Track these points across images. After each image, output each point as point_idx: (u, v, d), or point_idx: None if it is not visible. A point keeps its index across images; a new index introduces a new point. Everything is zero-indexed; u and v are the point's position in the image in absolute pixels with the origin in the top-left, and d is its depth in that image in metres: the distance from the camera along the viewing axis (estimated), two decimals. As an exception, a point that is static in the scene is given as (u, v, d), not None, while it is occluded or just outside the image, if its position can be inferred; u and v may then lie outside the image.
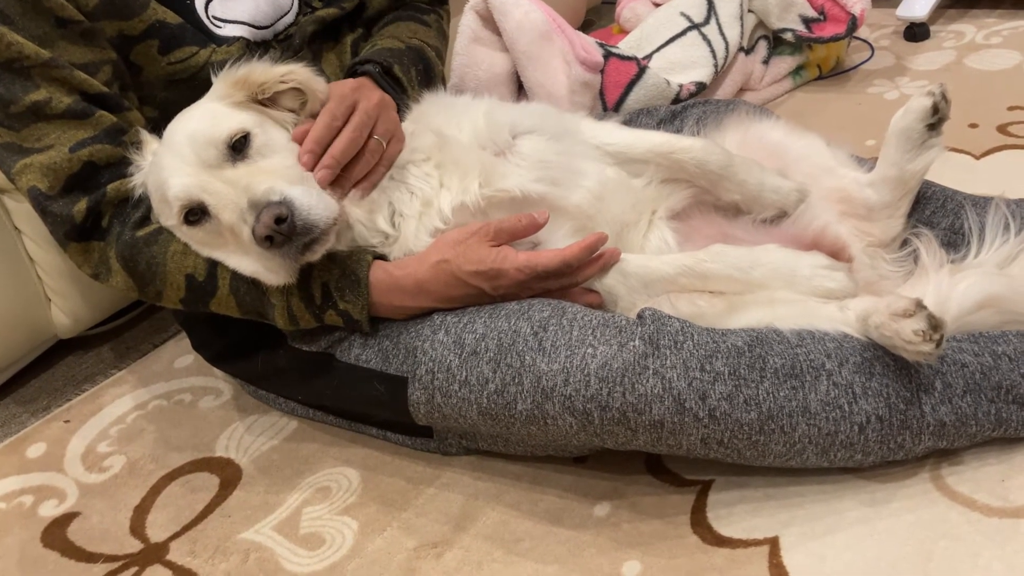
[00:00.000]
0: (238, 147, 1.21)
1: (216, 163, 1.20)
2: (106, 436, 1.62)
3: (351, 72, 1.46)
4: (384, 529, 1.29)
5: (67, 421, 1.67)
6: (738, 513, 1.19)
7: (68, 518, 1.44)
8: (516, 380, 1.17)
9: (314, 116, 1.27)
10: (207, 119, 1.23)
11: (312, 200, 1.16)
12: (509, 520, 1.27)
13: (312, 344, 1.37)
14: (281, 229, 1.12)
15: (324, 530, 1.31)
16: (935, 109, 1.38)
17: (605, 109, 2.00)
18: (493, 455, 1.37)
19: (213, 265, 1.28)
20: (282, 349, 1.40)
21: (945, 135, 1.41)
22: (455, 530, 1.27)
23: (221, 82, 1.28)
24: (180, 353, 1.80)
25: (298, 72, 1.28)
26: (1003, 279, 1.28)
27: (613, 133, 1.40)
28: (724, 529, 1.18)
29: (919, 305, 1.09)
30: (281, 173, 1.20)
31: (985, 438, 1.17)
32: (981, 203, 1.44)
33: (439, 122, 1.36)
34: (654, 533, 1.19)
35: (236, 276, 1.27)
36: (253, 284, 1.27)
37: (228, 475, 1.46)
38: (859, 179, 1.46)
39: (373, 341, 1.31)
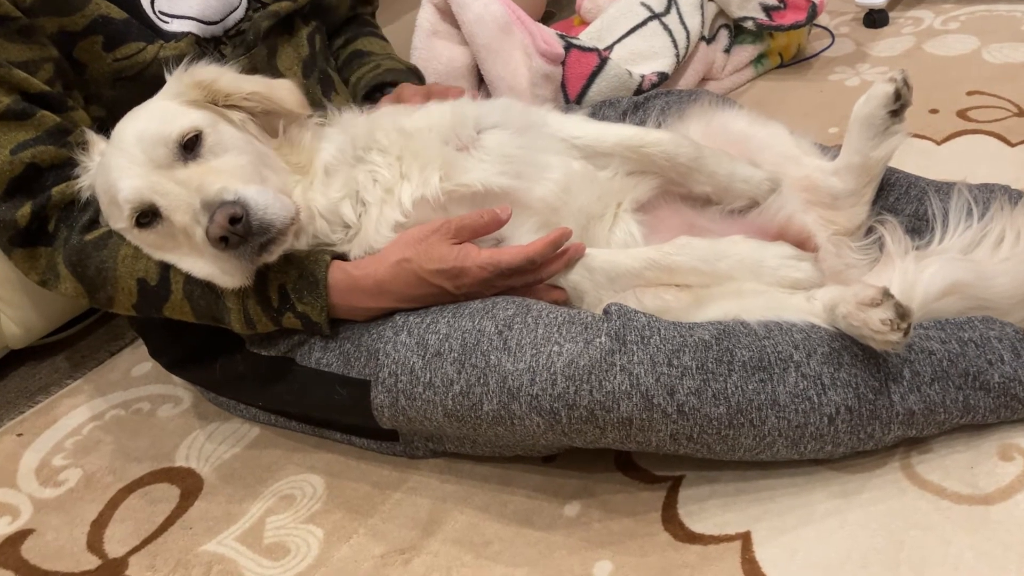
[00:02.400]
0: (190, 146, 1.17)
1: (167, 163, 1.16)
2: (61, 449, 1.56)
3: (377, 88, 1.56)
4: (350, 536, 1.26)
5: (20, 435, 1.62)
6: (709, 509, 1.18)
7: (22, 535, 1.39)
8: (481, 380, 1.14)
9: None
10: (157, 118, 1.19)
11: (268, 199, 1.12)
12: (478, 523, 1.24)
13: (271, 348, 1.33)
14: (236, 229, 1.08)
15: (289, 539, 1.28)
16: (897, 95, 1.37)
17: (567, 101, 1.98)
18: (461, 457, 1.34)
19: (166, 268, 1.24)
20: (240, 354, 1.36)
21: (907, 121, 1.40)
22: (423, 535, 1.24)
23: (177, 80, 1.24)
24: (137, 361, 1.75)
25: (267, 92, 1.25)
26: (968, 265, 1.27)
27: (581, 126, 1.37)
28: (695, 525, 1.16)
29: (886, 294, 1.08)
30: (235, 172, 1.16)
31: (953, 425, 1.17)
32: (944, 189, 1.44)
33: (401, 115, 1.33)
34: (625, 531, 1.18)
35: (190, 280, 1.23)
36: (208, 288, 1.23)
37: (189, 485, 1.42)
38: (823, 167, 1.45)
39: (334, 344, 1.28)
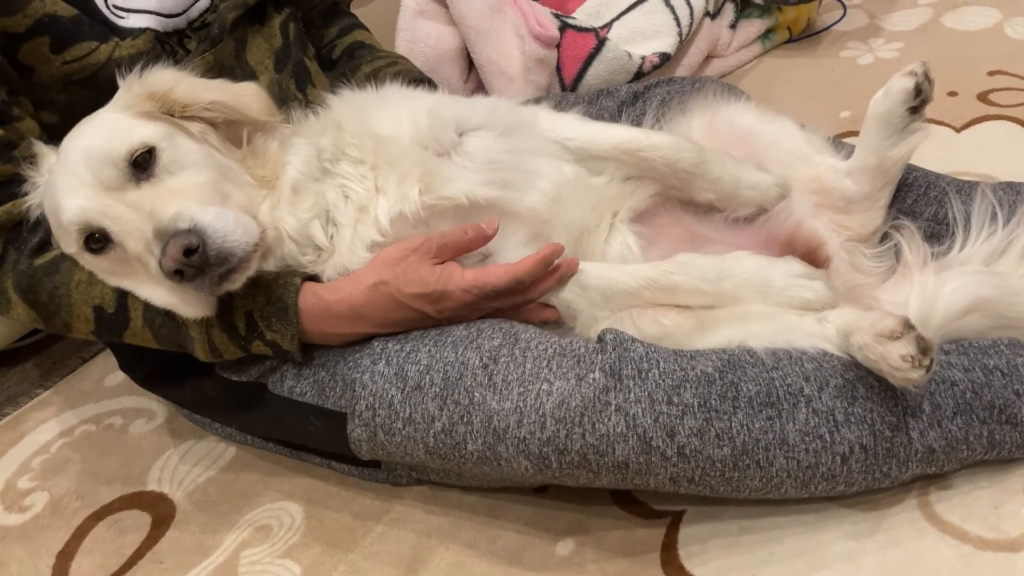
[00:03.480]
0: (141, 164, 1.06)
1: (117, 184, 1.05)
2: (28, 469, 1.49)
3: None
4: (329, 574, 1.19)
5: (-15, 452, 1.54)
6: (712, 550, 1.09)
7: (-16, 567, 1.32)
8: (465, 419, 1.05)
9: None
10: (104, 133, 1.08)
11: (228, 224, 1.02)
12: (464, 561, 1.16)
13: (241, 373, 1.24)
14: (192, 261, 0.98)
15: (264, 576, 1.21)
16: (917, 90, 1.26)
17: (563, 86, 1.86)
18: (447, 485, 1.26)
19: (123, 295, 1.14)
20: (210, 378, 1.27)
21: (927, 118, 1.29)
22: (406, 574, 1.16)
23: (129, 90, 1.12)
24: (110, 369, 1.66)
25: (231, 100, 1.13)
26: (992, 280, 1.18)
27: (575, 127, 1.26)
28: (697, 569, 1.08)
29: (906, 325, 0.99)
30: (192, 193, 1.05)
31: (976, 461, 1.08)
32: (966, 189, 1.33)
33: (374, 119, 1.22)
34: (621, 574, 1.10)
35: (149, 307, 1.13)
36: (169, 316, 1.13)
37: (160, 512, 1.34)
38: (836, 167, 1.35)
39: (308, 371, 1.19)
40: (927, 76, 1.26)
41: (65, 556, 1.31)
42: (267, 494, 1.33)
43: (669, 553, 1.10)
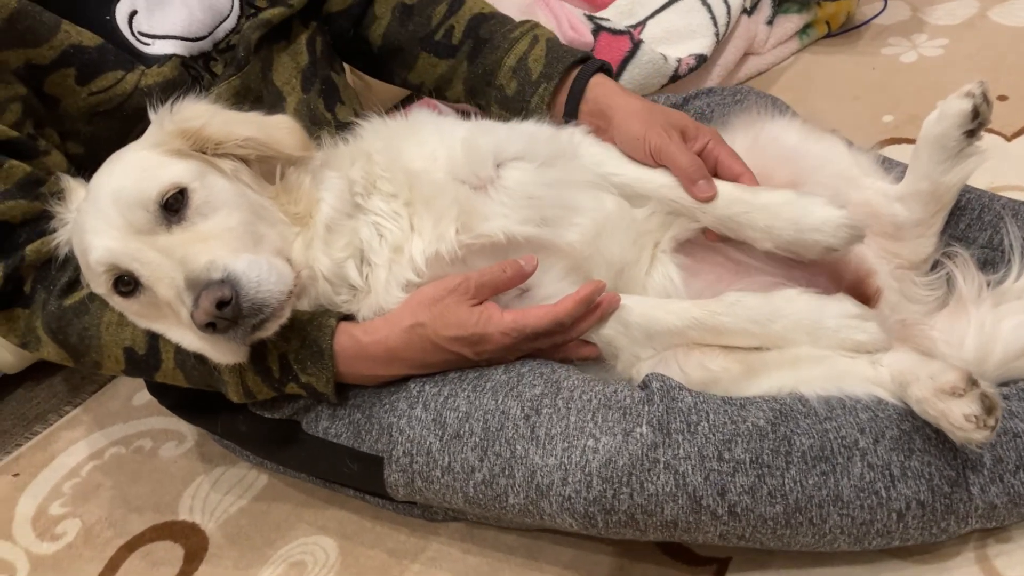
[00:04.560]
0: (172, 205, 1.02)
1: (147, 227, 1.02)
2: (59, 494, 1.47)
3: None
4: (366, 617, 1.17)
5: (16, 475, 1.53)
6: (760, 603, 1.06)
7: (19, 599, 1.32)
8: (506, 472, 1.02)
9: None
10: (135, 173, 1.04)
11: (262, 272, 0.99)
12: (504, 607, 1.14)
13: (275, 411, 1.22)
14: (224, 314, 0.95)
15: (300, 617, 1.19)
16: (975, 113, 1.19)
17: (596, 92, 1.80)
18: (484, 523, 1.23)
19: (154, 338, 1.12)
20: (242, 414, 1.25)
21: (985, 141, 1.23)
22: (444, 619, 1.14)
23: (160, 127, 1.08)
24: (138, 387, 1.64)
25: (264, 137, 1.08)
26: (1053, 318, 1.13)
27: (618, 164, 1.19)
28: (744, 622, 1.05)
29: (970, 381, 0.94)
30: (224, 238, 1.02)
31: (1038, 514, 1.04)
32: (1023, 213, 1.28)
33: (405, 151, 1.17)
34: (666, 627, 1.07)
35: (181, 349, 1.10)
36: (201, 359, 1.10)
37: (193, 545, 1.33)
38: (887, 191, 1.29)
39: (343, 412, 1.16)
40: (985, 97, 1.19)
41: (99, 589, 1.30)
42: (300, 527, 1.31)
43: (715, 604, 1.08)
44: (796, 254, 1.11)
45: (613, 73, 1.36)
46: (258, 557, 1.28)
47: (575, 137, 1.23)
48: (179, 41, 1.24)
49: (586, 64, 1.31)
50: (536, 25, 1.39)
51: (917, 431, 1.01)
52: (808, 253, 1.11)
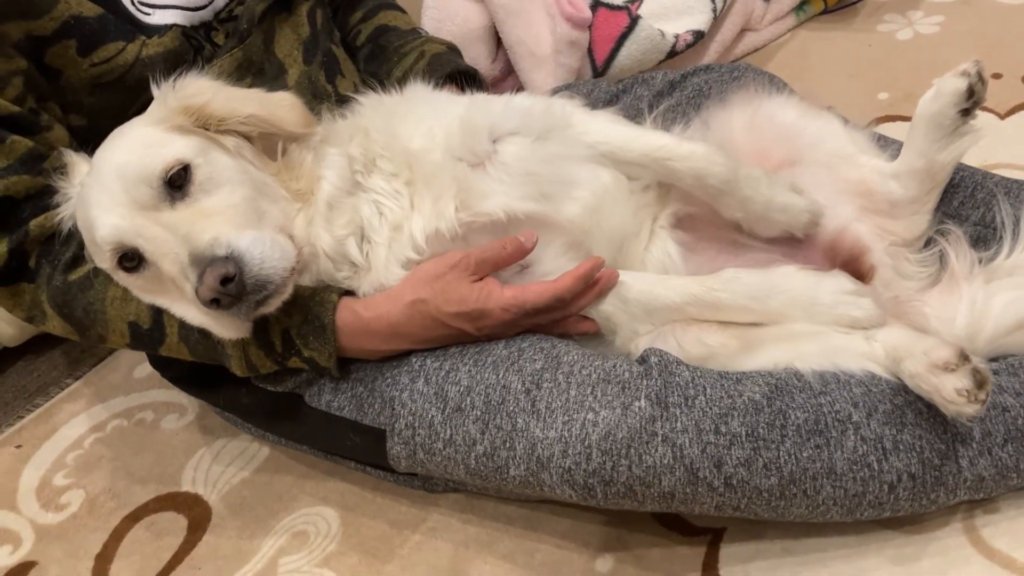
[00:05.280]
0: (176, 182, 1.03)
1: (151, 203, 1.02)
2: (62, 465, 1.49)
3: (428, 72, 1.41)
4: (368, 585, 1.19)
5: (19, 446, 1.54)
6: (753, 572, 1.09)
7: (24, 568, 1.33)
8: (507, 444, 1.04)
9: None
10: (139, 149, 1.04)
11: (265, 249, 1.00)
12: (503, 575, 1.16)
13: (277, 384, 1.23)
14: (228, 290, 0.96)
15: (303, 585, 1.21)
16: (970, 92, 1.21)
17: (594, 67, 1.81)
18: (483, 494, 1.26)
19: (158, 312, 1.13)
20: (244, 386, 1.26)
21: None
22: (445, 587, 1.17)
23: (164, 103, 1.08)
24: (139, 360, 1.66)
25: (266, 114, 1.09)
26: (1045, 296, 1.15)
27: (605, 130, 1.20)
28: (738, 591, 1.08)
29: (962, 356, 0.96)
30: (227, 214, 1.02)
31: (1024, 486, 1.07)
32: (1015, 191, 1.30)
33: (403, 130, 1.18)
34: (662, 595, 1.10)
35: (185, 324, 1.11)
36: (204, 333, 1.11)
37: (196, 515, 1.35)
38: (882, 169, 1.30)
39: (345, 386, 1.18)
40: (980, 76, 1.21)
41: (104, 559, 1.31)
42: (302, 498, 1.33)
43: (710, 573, 1.10)
44: (756, 228, 1.18)
45: (481, 80, 1.52)
46: (261, 527, 1.30)
47: (567, 108, 1.23)
48: (179, 11, 1.25)
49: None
50: (428, 40, 1.52)
51: (909, 405, 1.03)
52: (766, 229, 1.18)
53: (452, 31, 1.80)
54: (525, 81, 1.78)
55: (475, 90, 1.46)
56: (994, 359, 1.13)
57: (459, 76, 1.46)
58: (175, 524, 1.34)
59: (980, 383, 0.95)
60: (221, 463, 1.42)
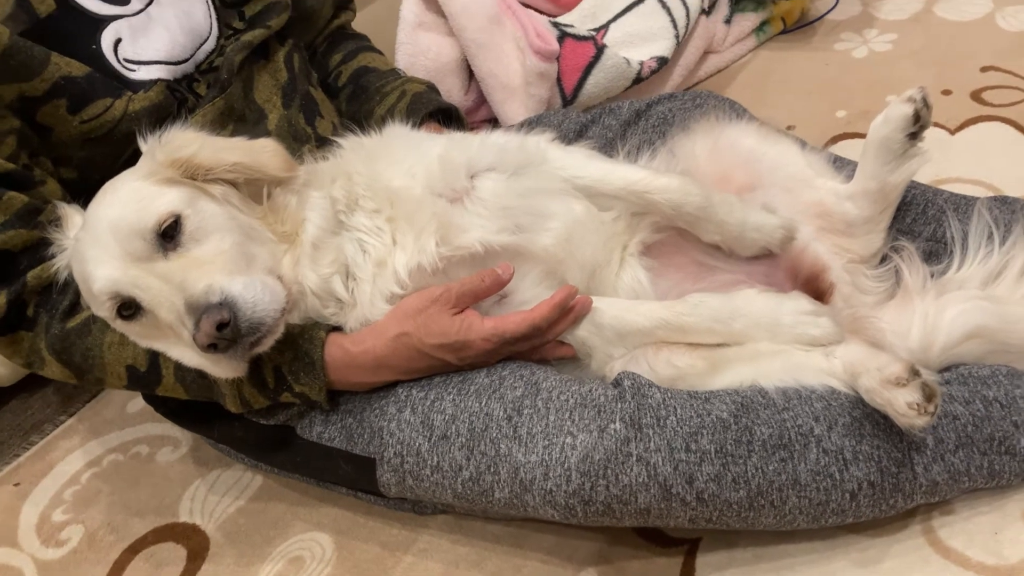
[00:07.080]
0: (169, 233, 1.08)
1: (146, 255, 1.07)
2: (60, 501, 1.53)
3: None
4: (364, 607, 1.25)
5: (17, 484, 1.58)
6: (728, 579, 1.16)
7: (29, 604, 1.38)
8: (492, 469, 1.10)
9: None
10: (131, 204, 1.09)
11: (257, 293, 1.05)
12: (492, 591, 1.22)
13: (270, 418, 1.29)
14: (224, 335, 1.02)
15: (301, 610, 1.27)
16: (916, 117, 1.29)
17: (563, 96, 1.88)
18: (470, 515, 1.31)
19: (154, 355, 1.18)
20: (238, 420, 1.31)
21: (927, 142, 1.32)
22: (437, 605, 1.22)
23: (152, 157, 1.13)
24: (132, 395, 1.70)
25: (250, 161, 1.14)
26: (991, 308, 1.22)
27: (583, 166, 1.27)
28: (715, 597, 1.14)
29: (912, 371, 1.03)
30: (218, 262, 1.08)
31: (977, 489, 1.14)
32: (963, 207, 1.38)
33: (384, 170, 1.24)
34: (643, 604, 1.16)
35: (180, 365, 1.17)
36: (200, 373, 1.17)
37: (194, 545, 1.40)
38: (838, 191, 1.38)
39: (335, 417, 1.24)
40: (925, 102, 1.29)
41: (106, 593, 1.36)
42: (297, 524, 1.38)
43: (687, 582, 1.17)
44: (735, 248, 1.25)
45: (460, 116, 1.62)
46: (258, 555, 1.35)
47: (541, 144, 1.30)
48: (163, 65, 1.30)
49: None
50: (408, 80, 1.60)
51: (867, 418, 1.10)
52: (744, 248, 1.25)
53: (426, 65, 1.87)
54: (498, 112, 1.85)
55: (454, 126, 1.53)
56: (947, 368, 1.20)
57: (439, 113, 1.53)
58: (174, 554, 1.39)
59: (929, 396, 1.02)
60: (217, 493, 1.47)
